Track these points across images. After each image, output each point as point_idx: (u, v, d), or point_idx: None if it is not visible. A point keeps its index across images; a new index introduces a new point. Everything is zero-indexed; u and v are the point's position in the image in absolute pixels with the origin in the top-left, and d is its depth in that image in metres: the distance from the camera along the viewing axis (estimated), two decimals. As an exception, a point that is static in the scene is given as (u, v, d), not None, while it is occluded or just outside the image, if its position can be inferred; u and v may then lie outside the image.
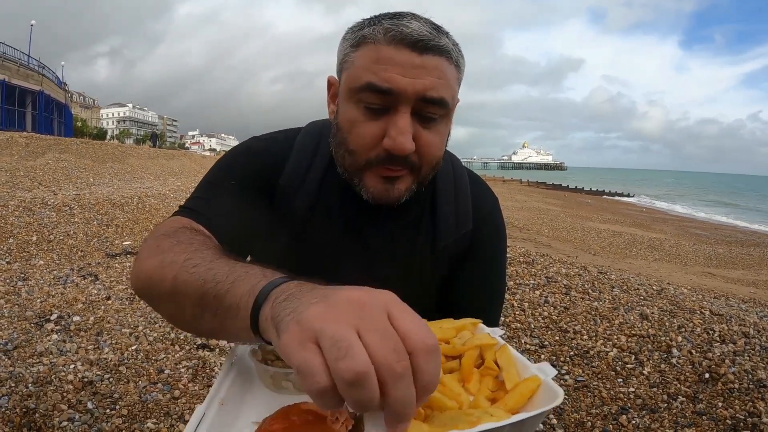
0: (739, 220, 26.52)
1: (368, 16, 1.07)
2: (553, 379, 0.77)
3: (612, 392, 3.14)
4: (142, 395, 2.73)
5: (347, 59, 1.04)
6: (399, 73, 0.96)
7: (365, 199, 1.09)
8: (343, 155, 1.08)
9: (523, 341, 3.88)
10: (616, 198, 42.08)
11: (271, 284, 0.67)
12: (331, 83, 1.14)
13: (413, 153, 1.02)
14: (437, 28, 1.02)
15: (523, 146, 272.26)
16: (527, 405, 0.75)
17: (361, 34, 1.02)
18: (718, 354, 3.52)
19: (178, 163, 20.38)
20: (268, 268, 0.73)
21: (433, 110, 1.01)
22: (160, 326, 3.72)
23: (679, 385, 3.19)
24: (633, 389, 3.16)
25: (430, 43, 0.97)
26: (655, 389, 3.16)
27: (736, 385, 3.13)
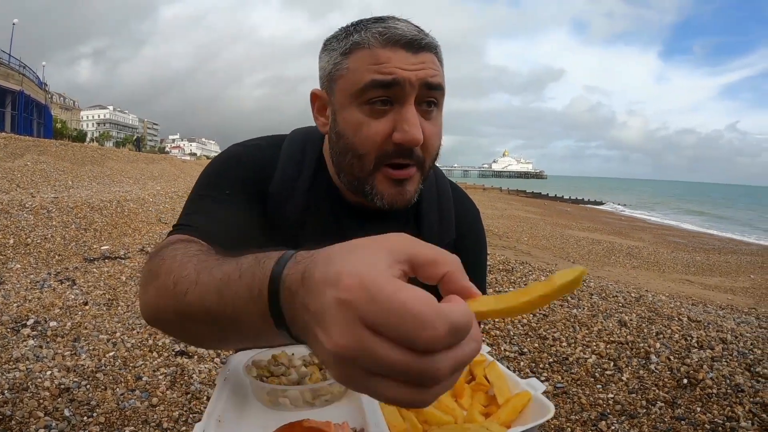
0: (714, 229, 26.86)
1: (348, 24, 1.09)
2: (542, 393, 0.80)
3: (591, 398, 3.17)
4: (120, 402, 2.72)
5: (339, 68, 1.05)
6: (400, 68, 0.99)
7: (378, 206, 1.10)
8: (351, 162, 1.08)
9: (502, 348, 3.92)
10: (596, 206, 42.46)
11: (283, 256, 0.59)
12: (317, 96, 1.14)
13: (418, 147, 1.04)
14: (420, 28, 1.06)
15: (504, 154, 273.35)
16: (519, 419, 0.77)
17: (351, 41, 1.03)
18: (696, 360, 3.57)
19: (158, 167, 20.24)
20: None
21: (436, 95, 1.05)
22: (137, 333, 3.70)
23: (657, 391, 3.24)
24: (612, 395, 3.20)
25: (423, 42, 1.01)
26: (634, 395, 3.20)
27: (715, 390, 3.18)
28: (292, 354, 0.90)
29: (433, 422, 0.75)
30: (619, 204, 47.69)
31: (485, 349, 0.95)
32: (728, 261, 13.39)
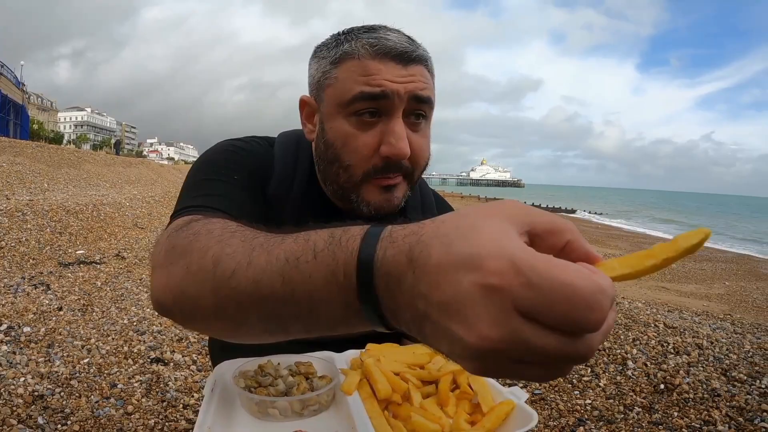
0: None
1: (338, 32, 1.08)
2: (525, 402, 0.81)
3: (569, 404, 3.19)
4: (95, 410, 2.67)
5: (328, 76, 1.04)
6: (389, 80, 0.99)
7: (364, 214, 1.09)
8: (337, 172, 1.07)
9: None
10: (569, 215, 42.97)
11: (369, 233, 0.51)
12: (306, 103, 1.13)
13: (406, 159, 1.04)
14: (412, 39, 1.05)
15: (482, 163, 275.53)
16: (503, 427, 0.78)
17: (341, 50, 1.03)
18: (673, 365, 3.62)
19: (135, 171, 20.05)
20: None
21: (424, 108, 1.04)
22: (112, 339, 3.64)
23: (635, 396, 3.27)
24: (590, 401, 3.22)
25: (413, 54, 1.01)
26: (611, 401, 3.23)
27: (691, 395, 3.22)
28: (278, 364, 0.89)
29: (420, 430, 0.75)
30: (593, 212, 48.42)
31: None
32: (703, 268, 13.59)
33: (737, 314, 6.77)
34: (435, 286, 0.43)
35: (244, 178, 1.07)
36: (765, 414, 3.03)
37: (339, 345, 1.00)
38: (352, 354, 0.97)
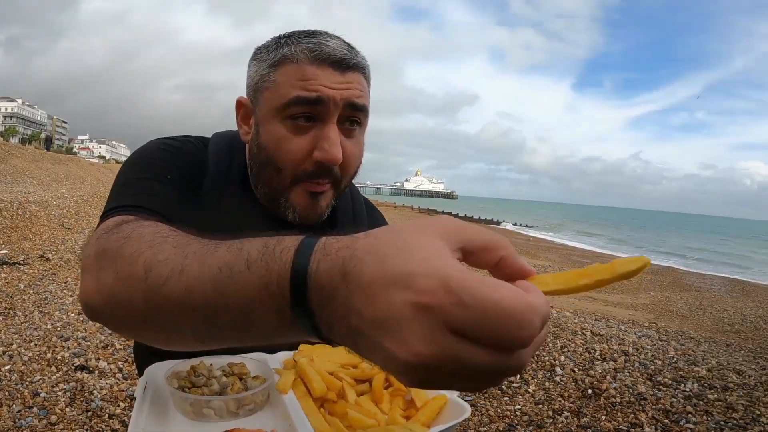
0: (618, 251, 28.26)
1: (279, 35, 1.07)
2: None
3: (499, 410, 3.25)
4: (17, 420, 2.56)
5: (266, 79, 1.04)
6: (325, 86, 0.99)
7: (289, 220, 1.09)
8: (269, 174, 1.07)
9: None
10: (495, 226, 44.04)
11: (303, 244, 0.51)
12: (242, 104, 1.12)
13: (338, 164, 1.04)
14: (351, 46, 1.06)
15: (416, 174, 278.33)
16: (438, 420, 0.81)
17: (280, 54, 1.02)
18: (600, 371, 3.75)
19: (65, 168, 19.34)
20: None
21: (359, 116, 1.05)
22: (35, 345, 3.50)
23: (563, 401, 3.37)
24: (519, 407, 3.30)
25: (351, 62, 1.02)
26: (540, 406, 3.32)
27: (618, 399, 3.35)
28: (211, 364, 0.88)
29: (358, 426, 0.76)
30: (524, 225, 49.74)
31: None
32: (630, 279, 14.03)
33: (662, 323, 7.07)
34: (368, 302, 0.43)
35: (177, 178, 1.04)
36: (690, 416, 3.19)
37: (271, 347, 0.99)
38: (284, 355, 0.97)
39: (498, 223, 49.02)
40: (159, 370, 0.89)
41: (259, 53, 1.07)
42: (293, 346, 0.96)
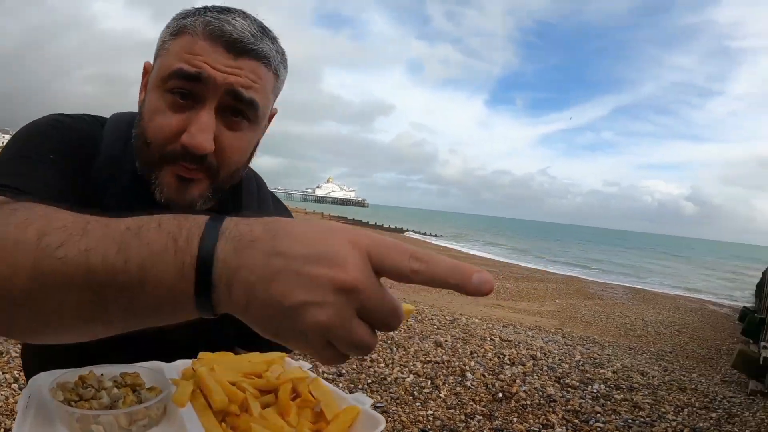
0: (520, 260, 29.25)
1: (198, 7, 0.99)
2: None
3: (411, 416, 3.26)
4: None
5: (164, 46, 0.96)
6: (210, 65, 0.91)
7: (156, 199, 0.98)
8: (140, 147, 0.97)
9: (320, 370, 3.91)
10: (413, 235, 44.68)
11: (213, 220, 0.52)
12: (146, 70, 1.03)
13: (212, 154, 0.95)
14: (264, 31, 0.97)
15: (328, 181, 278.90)
16: None
17: (183, 23, 0.94)
18: (510, 375, 3.84)
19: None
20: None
21: (242, 108, 0.95)
22: None
23: (475, 405, 3.42)
24: (431, 412, 3.32)
25: (248, 46, 0.93)
26: (452, 410, 3.35)
27: (529, 402, 3.45)
28: (102, 374, 0.79)
29: None
30: (428, 233, 50.70)
31: (306, 366, 0.92)
32: (536, 288, 14.62)
33: (567, 328, 7.36)
34: (302, 243, 0.48)
35: (61, 158, 0.95)
36: (599, 415, 3.36)
37: (169, 355, 0.91)
38: (183, 364, 0.89)
39: (402, 231, 49.61)
40: (44, 380, 0.79)
41: (172, 19, 0.99)
42: (192, 354, 0.89)
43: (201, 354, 0.88)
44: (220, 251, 0.49)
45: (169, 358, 0.90)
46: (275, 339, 0.51)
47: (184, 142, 0.92)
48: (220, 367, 0.82)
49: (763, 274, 14.42)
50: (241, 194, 1.17)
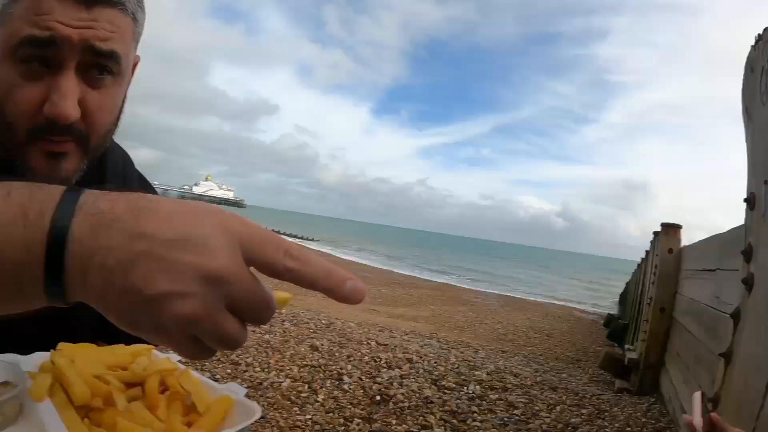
0: (394, 267, 29.86)
1: None
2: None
3: (290, 421, 3.22)
4: None
5: (7, 11, 0.81)
6: (61, 23, 0.79)
7: None
8: (2, 129, 0.85)
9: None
10: (288, 239, 44.63)
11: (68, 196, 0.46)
12: None
13: (79, 120, 0.85)
14: None
15: (206, 178, 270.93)
16: (224, 425, 0.73)
17: None
18: (387, 378, 3.87)
19: None
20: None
21: (107, 63, 0.86)
22: None
23: (353, 409, 3.42)
24: (310, 416, 3.29)
25: None
26: (331, 414, 3.34)
27: (407, 404, 3.50)
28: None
29: None
30: (303, 237, 50.57)
31: (176, 357, 0.87)
32: (411, 294, 14.94)
33: (442, 333, 7.56)
34: (168, 225, 0.44)
35: None
36: (475, 414, 3.50)
37: (24, 348, 0.82)
38: (41, 356, 0.80)
39: (278, 233, 49.34)
40: None
41: None
42: (51, 346, 0.78)
43: (60, 345, 0.79)
44: (76, 229, 0.43)
45: (24, 351, 0.79)
46: (133, 332, 0.47)
47: (46, 112, 0.81)
48: (82, 359, 0.76)
49: (627, 284, 15.55)
50: (106, 168, 1.06)
